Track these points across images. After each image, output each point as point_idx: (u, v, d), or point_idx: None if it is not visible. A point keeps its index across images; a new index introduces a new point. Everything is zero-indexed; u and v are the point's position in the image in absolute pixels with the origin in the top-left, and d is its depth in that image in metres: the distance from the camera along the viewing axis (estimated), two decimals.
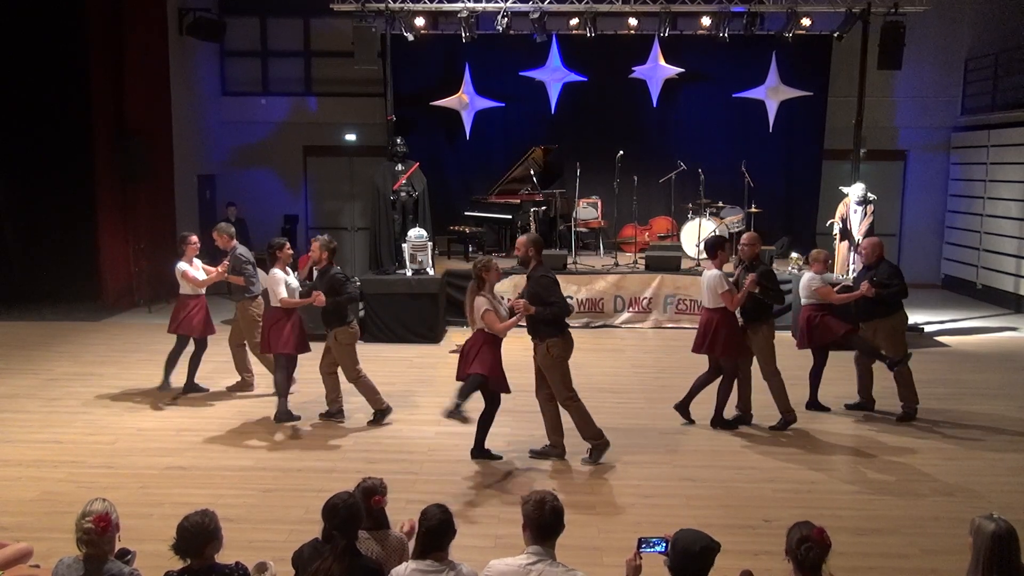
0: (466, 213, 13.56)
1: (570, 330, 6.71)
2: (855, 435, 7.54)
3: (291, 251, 7.75)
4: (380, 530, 3.93)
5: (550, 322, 6.48)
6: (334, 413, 7.75)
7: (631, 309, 11.84)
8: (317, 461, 6.77)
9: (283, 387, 7.71)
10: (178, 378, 8.63)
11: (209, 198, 15.77)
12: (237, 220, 14.42)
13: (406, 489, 5.98)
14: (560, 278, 11.47)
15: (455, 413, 6.39)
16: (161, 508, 5.68)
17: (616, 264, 12.30)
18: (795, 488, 6.33)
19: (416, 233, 11.24)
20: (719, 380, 7.55)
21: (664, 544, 3.41)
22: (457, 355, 6.95)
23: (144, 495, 6.04)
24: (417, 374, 9.42)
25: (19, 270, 13.14)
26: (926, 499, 6.15)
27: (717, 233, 12.65)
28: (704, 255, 12.09)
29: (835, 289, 8.09)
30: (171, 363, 8.62)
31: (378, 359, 10.16)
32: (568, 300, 11.58)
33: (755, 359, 7.58)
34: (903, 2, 11.88)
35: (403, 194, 11.77)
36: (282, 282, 7.55)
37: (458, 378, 6.66)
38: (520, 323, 6.56)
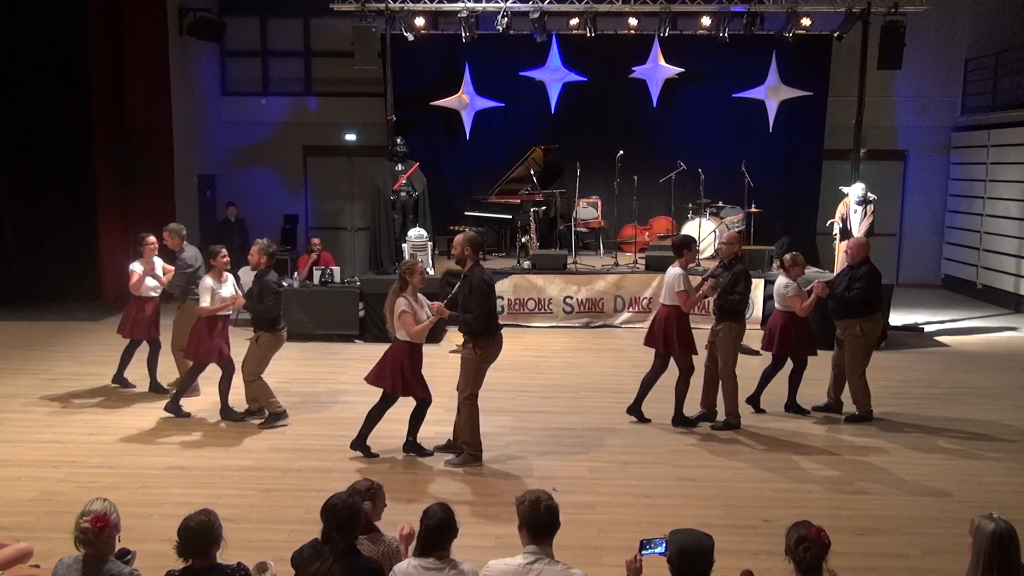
0: (466, 213, 13.57)
1: (502, 333, 6.67)
2: (854, 435, 7.52)
3: (226, 258, 7.63)
4: (372, 533, 3.93)
5: (473, 325, 6.43)
6: (253, 412, 7.75)
7: (631, 309, 11.84)
8: (317, 461, 6.77)
9: (221, 389, 7.74)
10: (164, 377, 8.65)
11: (209, 198, 15.77)
12: (237, 220, 14.46)
13: (406, 489, 5.98)
14: (560, 278, 11.76)
15: (415, 448, 6.81)
16: (161, 508, 5.68)
17: (616, 264, 12.30)
18: (795, 488, 6.33)
19: (416, 233, 11.24)
20: (669, 376, 7.64)
21: (665, 545, 3.41)
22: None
23: (144, 495, 6.04)
24: None
25: (19, 270, 13.12)
26: (926, 499, 6.15)
27: (717, 231, 12.73)
28: (702, 255, 12.18)
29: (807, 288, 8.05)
30: (151, 367, 8.59)
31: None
32: (568, 300, 11.73)
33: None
34: (903, 2, 11.88)
35: (403, 194, 11.77)
36: (209, 291, 7.49)
37: (367, 378, 6.78)
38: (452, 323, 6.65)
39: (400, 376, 6.62)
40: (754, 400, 8.06)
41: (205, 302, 7.50)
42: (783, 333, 7.80)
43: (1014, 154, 13.51)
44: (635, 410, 7.73)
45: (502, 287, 11.38)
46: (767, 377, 8.03)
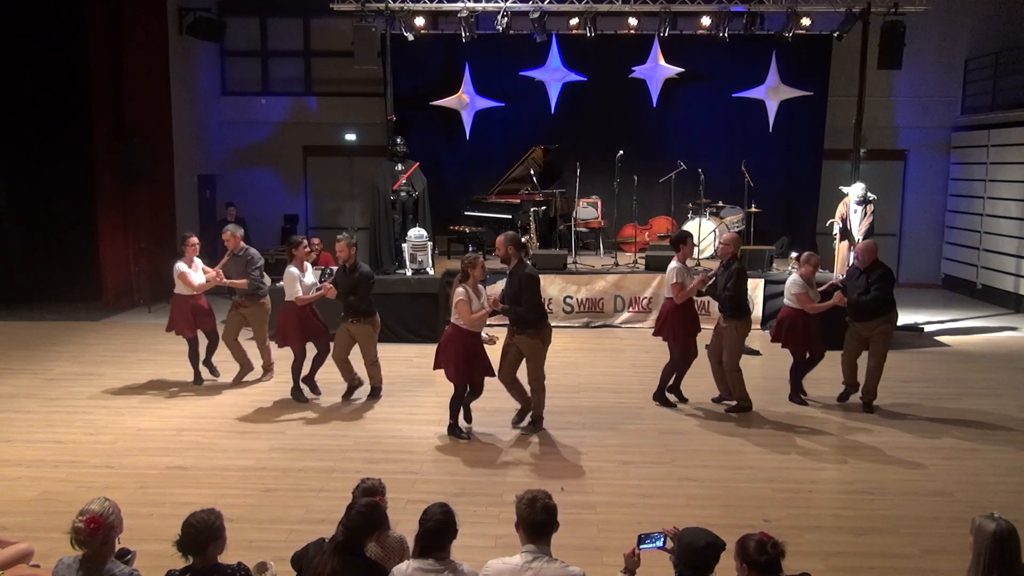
0: (466, 213, 13.55)
1: (550, 323, 7.31)
2: (854, 435, 7.53)
3: (308, 249, 8.17)
4: (379, 530, 3.93)
5: (525, 316, 7.05)
6: (356, 387, 8.42)
7: (631, 309, 11.84)
8: (317, 461, 6.77)
9: (296, 372, 8.32)
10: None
11: (209, 198, 15.77)
12: (236, 220, 14.44)
13: (406, 489, 5.99)
14: (560, 278, 11.77)
15: (455, 431, 7.21)
16: (161, 508, 5.69)
17: (616, 264, 12.30)
18: (795, 488, 6.33)
19: (416, 233, 11.23)
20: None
21: (663, 539, 3.42)
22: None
23: (144, 495, 6.04)
24: (417, 374, 9.42)
25: (19, 270, 13.13)
26: (926, 499, 6.14)
27: (717, 231, 12.72)
28: (702, 254, 12.19)
29: (822, 289, 8.30)
30: (194, 361, 8.87)
31: (379, 359, 10.15)
32: (568, 300, 11.74)
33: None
34: (903, 2, 11.88)
35: (403, 194, 11.76)
36: (296, 280, 7.95)
37: (436, 367, 7.16)
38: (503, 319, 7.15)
39: (454, 362, 6.96)
40: (796, 397, 8.34)
41: (298, 290, 7.95)
42: (791, 327, 8.06)
43: (1014, 154, 13.51)
44: (661, 397, 8.24)
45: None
46: (796, 373, 8.31)
